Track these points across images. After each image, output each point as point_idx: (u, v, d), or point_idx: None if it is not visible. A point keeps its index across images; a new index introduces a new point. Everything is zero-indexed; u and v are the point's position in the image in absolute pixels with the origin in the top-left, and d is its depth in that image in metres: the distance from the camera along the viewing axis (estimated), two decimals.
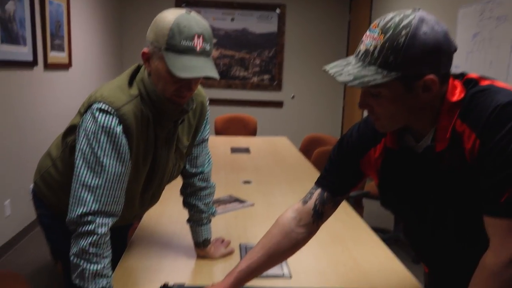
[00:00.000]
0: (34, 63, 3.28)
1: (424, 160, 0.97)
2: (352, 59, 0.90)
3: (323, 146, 3.34)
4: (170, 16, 1.08)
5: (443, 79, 0.90)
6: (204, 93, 1.40)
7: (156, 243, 1.58)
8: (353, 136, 1.10)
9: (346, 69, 0.88)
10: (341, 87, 6.35)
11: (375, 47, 0.85)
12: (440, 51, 0.85)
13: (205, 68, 1.08)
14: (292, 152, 3.41)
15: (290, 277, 1.36)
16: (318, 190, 1.13)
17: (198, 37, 1.08)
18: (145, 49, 1.13)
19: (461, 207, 0.95)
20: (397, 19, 0.85)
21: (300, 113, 6.35)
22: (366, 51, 0.87)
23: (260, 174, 2.67)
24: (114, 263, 1.39)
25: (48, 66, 3.53)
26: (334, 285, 1.31)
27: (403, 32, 0.83)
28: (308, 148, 3.64)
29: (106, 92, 1.12)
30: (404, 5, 4.45)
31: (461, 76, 0.96)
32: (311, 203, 1.13)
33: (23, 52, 3.13)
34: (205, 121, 1.41)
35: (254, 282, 1.31)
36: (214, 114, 5.96)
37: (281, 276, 1.36)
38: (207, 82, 6.08)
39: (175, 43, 1.06)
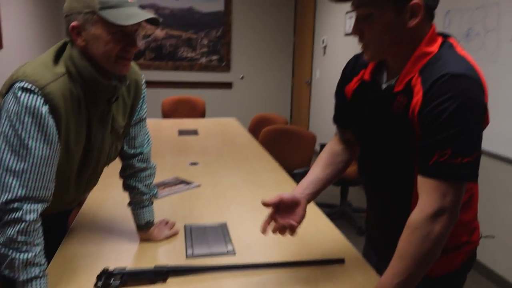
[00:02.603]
0: None
1: (382, 96, 1.04)
2: None
3: (271, 125, 3.37)
4: None
5: (429, 14, 0.97)
6: (139, 72, 1.35)
7: (97, 229, 1.53)
8: (348, 66, 1.21)
9: None
10: (289, 65, 6.40)
11: None
12: None
13: (146, 13, 1.10)
14: (241, 133, 3.41)
15: (234, 253, 1.37)
16: (336, 125, 1.30)
17: None
18: (74, 23, 1.07)
19: (394, 154, 1.04)
20: None
21: (249, 93, 6.35)
22: None
23: (207, 155, 2.65)
24: (53, 251, 1.34)
25: None
26: (277, 260, 1.33)
27: None
28: (256, 128, 3.66)
29: (29, 70, 1.04)
30: None
31: (445, 36, 1.02)
32: (338, 135, 1.31)
33: None
34: (141, 100, 1.36)
35: (199, 261, 1.31)
36: (162, 96, 5.82)
37: (225, 254, 1.37)
38: (154, 63, 5.92)
39: (107, 0, 1.05)
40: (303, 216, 1.16)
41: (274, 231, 1.14)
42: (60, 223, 1.57)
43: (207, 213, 1.72)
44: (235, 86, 6.27)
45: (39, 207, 1.06)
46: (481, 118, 0.90)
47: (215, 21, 6.00)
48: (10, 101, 1.02)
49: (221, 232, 1.53)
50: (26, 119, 1.01)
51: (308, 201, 1.20)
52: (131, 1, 1.09)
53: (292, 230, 1.13)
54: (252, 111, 6.29)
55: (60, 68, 1.09)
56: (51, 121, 1.04)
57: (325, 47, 5.20)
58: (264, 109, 6.40)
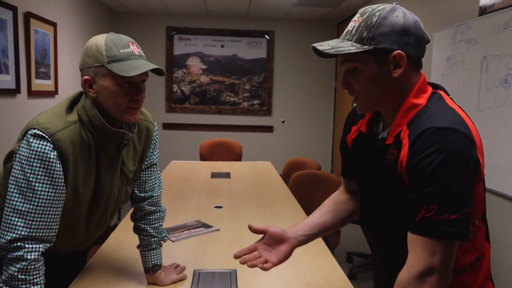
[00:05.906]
0: (16, 90, 3.33)
1: (376, 148, 1.03)
2: (334, 39, 1.01)
3: (302, 170, 3.34)
4: (98, 38, 1.18)
5: (414, 63, 0.96)
6: (151, 119, 1.42)
7: (110, 269, 1.57)
8: (348, 117, 1.21)
9: (327, 42, 1.00)
10: (331, 110, 6.39)
11: (353, 27, 0.97)
12: (408, 33, 0.93)
13: (150, 64, 1.16)
14: (273, 177, 3.40)
15: None
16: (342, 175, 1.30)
17: (132, 44, 1.18)
18: (86, 77, 1.17)
19: (388, 206, 0.99)
20: (375, 6, 0.98)
21: (290, 138, 6.38)
22: (347, 31, 0.99)
23: (234, 199, 2.66)
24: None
25: (32, 94, 3.58)
26: None
27: (377, 14, 0.95)
28: (289, 172, 3.63)
29: (42, 118, 1.14)
30: None
31: (436, 87, 1.00)
32: (343, 184, 1.30)
33: (5, 80, 3.18)
34: (152, 146, 1.42)
35: None
36: (203, 139, 5.99)
37: None
38: (198, 107, 6.15)
39: (114, 54, 1.14)
40: (287, 256, 1.15)
41: (248, 261, 1.13)
42: (79, 262, 1.63)
43: (220, 258, 1.71)
44: (276, 130, 6.33)
45: (41, 247, 1.11)
46: (470, 173, 0.85)
47: (257, 67, 6.20)
48: (23, 146, 1.11)
49: (229, 279, 1.51)
50: (35, 163, 1.09)
51: (299, 244, 1.19)
52: (137, 54, 1.17)
53: (267, 264, 1.11)
54: (293, 156, 6.27)
55: (73, 117, 1.18)
56: (58, 166, 1.12)
57: None
58: (304, 154, 6.36)
